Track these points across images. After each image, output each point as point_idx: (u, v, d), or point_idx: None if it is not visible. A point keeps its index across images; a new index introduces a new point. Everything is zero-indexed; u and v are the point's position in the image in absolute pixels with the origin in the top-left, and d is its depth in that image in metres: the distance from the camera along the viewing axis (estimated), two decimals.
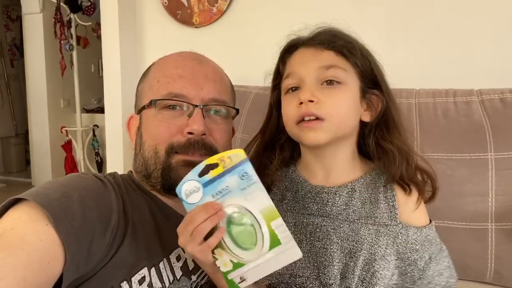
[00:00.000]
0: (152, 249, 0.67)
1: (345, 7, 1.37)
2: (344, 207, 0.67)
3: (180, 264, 0.70)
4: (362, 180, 0.68)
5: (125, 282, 0.62)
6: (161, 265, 0.67)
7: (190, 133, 0.71)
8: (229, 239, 0.57)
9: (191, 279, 0.71)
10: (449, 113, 1.00)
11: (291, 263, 0.64)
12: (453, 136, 0.97)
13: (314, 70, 0.65)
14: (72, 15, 3.08)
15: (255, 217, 0.56)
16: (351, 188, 0.68)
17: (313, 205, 0.68)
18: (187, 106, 0.73)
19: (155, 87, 0.75)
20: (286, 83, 0.69)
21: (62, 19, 3.11)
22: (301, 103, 0.64)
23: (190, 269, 0.71)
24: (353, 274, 0.63)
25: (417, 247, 0.65)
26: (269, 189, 0.72)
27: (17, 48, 4.71)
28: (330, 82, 0.65)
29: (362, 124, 0.70)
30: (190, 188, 0.57)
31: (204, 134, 0.71)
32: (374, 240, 0.64)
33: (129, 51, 1.77)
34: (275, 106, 0.75)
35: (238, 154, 0.56)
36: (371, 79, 0.68)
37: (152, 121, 0.74)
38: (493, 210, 0.92)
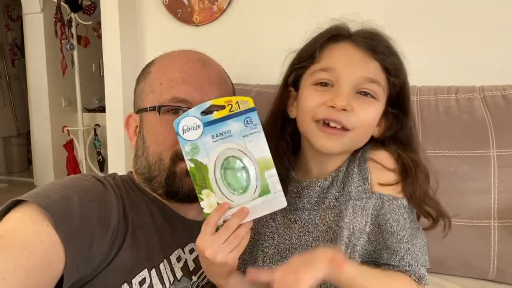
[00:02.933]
0: (153, 251, 0.68)
1: (345, 4, 1.37)
2: (327, 195, 0.66)
3: (181, 264, 0.70)
4: (345, 164, 0.67)
5: (125, 284, 0.62)
6: (161, 266, 0.67)
7: None
8: (222, 181, 0.58)
9: (191, 279, 0.71)
10: (451, 110, 1.00)
11: (284, 260, 0.64)
12: (455, 133, 0.97)
13: (357, 78, 0.62)
14: (72, 15, 3.08)
15: (252, 163, 0.57)
16: (335, 176, 0.67)
17: (299, 201, 0.68)
18: None
19: (157, 90, 0.74)
20: (319, 76, 0.64)
21: (63, 18, 3.11)
22: (332, 106, 0.61)
23: (191, 269, 0.71)
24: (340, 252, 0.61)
25: (396, 217, 0.61)
26: None
27: (18, 48, 4.72)
28: (365, 94, 0.63)
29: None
30: (189, 124, 0.58)
31: None
32: (352, 215, 0.62)
33: (130, 50, 1.77)
34: (288, 87, 0.70)
35: (246, 101, 0.57)
36: (399, 101, 0.67)
37: (156, 126, 0.74)
38: (495, 207, 0.91)
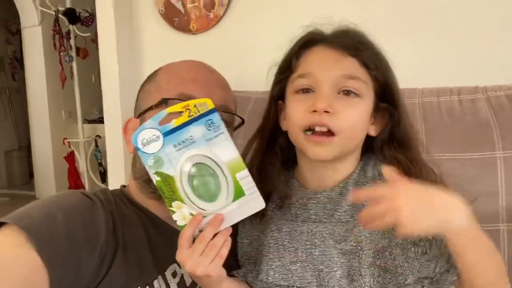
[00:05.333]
0: (145, 267, 0.65)
1: (346, 6, 1.35)
2: (337, 208, 0.64)
3: (177, 280, 0.68)
4: (354, 175, 0.66)
5: None
6: (155, 283, 0.65)
7: None
8: (191, 190, 0.55)
9: None
10: (454, 112, 0.98)
11: (288, 273, 0.62)
12: (460, 136, 0.95)
13: (335, 77, 0.62)
14: (70, 27, 3.09)
15: (220, 168, 0.55)
16: (343, 187, 0.65)
17: (306, 212, 0.66)
18: None
19: (164, 88, 0.73)
20: (299, 83, 0.64)
21: (61, 30, 3.12)
22: (314, 110, 0.60)
23: (188, 284, 0.69)
24: (360, 274, 0.60)
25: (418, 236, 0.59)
26: (269, 195, 0.69)
27: (18, 61, 4.74)
28: (347, 93, 0.62)
29: (369, 137, 0.67)
30: (148, 137, 0.55)
31: None
32: (371, 234, 0.61)
33: (127, 60, 1.76)
34: (276, 100, 0.71)
35: (205, 103, 0.54)
36: (387, 95, 0.65)
37: None
38: (504, 210, 0.89)
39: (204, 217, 0.55)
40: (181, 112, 0.55)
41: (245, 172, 0.55)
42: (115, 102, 1.75)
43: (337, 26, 0.67)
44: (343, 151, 0.63)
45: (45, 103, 3.53)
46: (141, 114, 0.76)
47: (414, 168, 0.63)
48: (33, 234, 0.54)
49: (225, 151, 0.55)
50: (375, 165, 0.66)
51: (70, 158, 3.26)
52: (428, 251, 0.61)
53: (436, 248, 0.61)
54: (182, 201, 0.55)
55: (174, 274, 0.68)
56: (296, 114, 0.63)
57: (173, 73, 0.76)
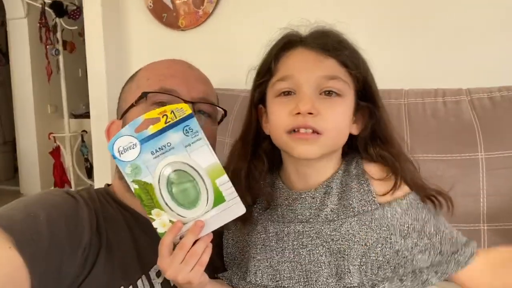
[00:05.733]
0: (129, 267, 0.65)
1: (332, 7, 1.36)
2: (323, 207, 0.64)
3: (160, 280, 0.67)
4: (337, 174, 0.66)
5: None
6: (139, 283, 0.64)
7: None
8: (170, 197, 0.54)
9: None
10: (439, 113, 0.99)
11: (276, 274, 0.62)
12: (443, 137, 0.96)
13: (316, 78, 0.61)
14: (57, 20, 3.04)
15: (199, 174, 0.54)
16: (327, 186, 0.65)
17: (291, 212, 0.66)
18: (178, 101, 0.70)
19: (144, 84, 0.73)
20: (280, 86, 0.64)
21: (48, 23, 3.07)
22: (298, 113, 0.60)
23: (172, 284, 0.69)
24: (349, 272, 0.60)
25: (407, 229, 0.61)
26: (255, 198, 0.69)
27: (3, 54, 4.64)
28: (328, 93, 0.62)
29: (351, 136, 0.67)
30: (124, 145, 0.54)
31: None
32: (359, 231, 0.61)
33: (114, 55, 1.74)
34: (256, 105, 0.70)
35: (182, 109, 0.53)
36: (366, 93, 0.66)
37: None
38: (485, 210, 0.91)
39: (184, 224, 0.55)
40: (158, 118, 0.53)
41: (225, 177, 0.55)
42: (102, 97, 1.73)
43: (314, 27, 0.67)
44: (329, 150, 0.63)
45: (30, 97, 3.47)
46: (123, 114, 0.75)
47: (398, 163, 0.64)
48: (14, 233, 0.53)
49: (204, 157, 0.54)
50: (358, 164, 0.67)
51: (56, 153, 3.21)
52: (418, 242, 0.62)
53: (426, 239, 0.62)
54: (161, 208, 0.54)
55: (158, 274, 0.67)
56: (280, 118, 0.63)
57: (152, 70, 0.76)
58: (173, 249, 0.55)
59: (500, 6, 1.19)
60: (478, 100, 0.98)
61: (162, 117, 0.53)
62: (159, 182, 0.54)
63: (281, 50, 0.66)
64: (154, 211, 0.55)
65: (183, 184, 0.54)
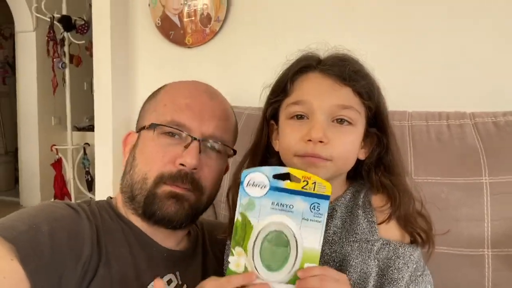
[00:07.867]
0: (127, 282, 0.64)
1: (335, 28, 1.38)
2: (325, 229, 0.64)
3: None
4: (343, 199, 0.67)
5: None
6: None
7: (182, 164, 0.69)
8: (259, 250, 0.55)
9: None
10: (443, 136, 0.99)
11: None
12: (447, 160, 0.96)
13: (330, 106, 0.62)
14: (65, 34, 3.09)
15: (296, 249, 0.54)
16: (332, 209, 0.65)
17: None
18: (185, 137, 0.71)
19: (160, 110, 0.74)
20: (293, 109, 0.64)
21: (55, 37, 3.12)
22: (309, 139, 0.61)
23: None
24: None
25: (399, 265, 0.61)
26: None
27: (10, 66, 4.70)
28: (340, 121, 0.63)
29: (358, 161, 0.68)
30: (256, 180, 0.55)
31: (195, 168, 0.70)
32: (359, 256, 0.62)
33: (121, 70, 1.76)
34: (268, 121, 0.71)
35: (324, 186, 0.54)
36: (377, 121, 0.66)
37: (148, 145, 0.72)
38: (489, 235, 0.90)
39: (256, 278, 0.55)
40: (299, 179, 0.55)
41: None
42: (107, 111, 1.74)
43: (333, 52, 0.68)
44: (336, 174, 0.64)
45: (34, 109, 3.50)
46: (138, 131, 0.76)
47: (397, 193, 0.64)
48: (17, 245, 0.53)
49: (311, 238, 0.54)
50: (367, 195, 0.67)
51: (57, 165, 3.22)
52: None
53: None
54: (246, 251, 0.55)
55: None
56: (291, 141, 0.63)
57: (171, 96, 0.76)
58: None
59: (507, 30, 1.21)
60: (482, 124, 0.98)
61: (303, 181, 0.54)
62: (260, 230, 0.55)
63: (298, 72, 0.67)
64: (239, 249, 0.55)
65: (277, 246, 0.55)
